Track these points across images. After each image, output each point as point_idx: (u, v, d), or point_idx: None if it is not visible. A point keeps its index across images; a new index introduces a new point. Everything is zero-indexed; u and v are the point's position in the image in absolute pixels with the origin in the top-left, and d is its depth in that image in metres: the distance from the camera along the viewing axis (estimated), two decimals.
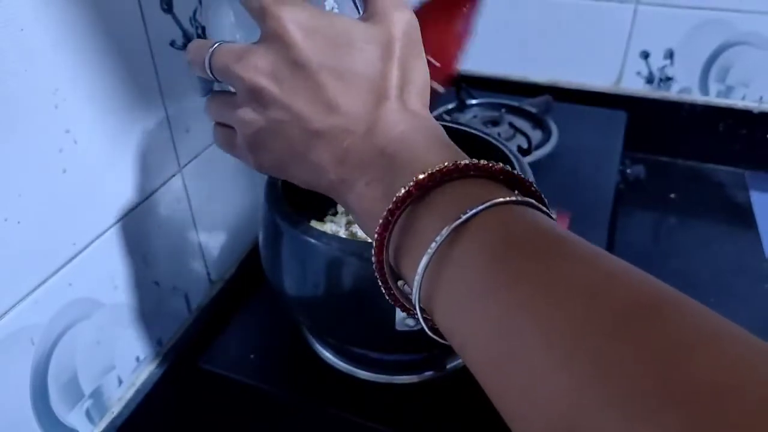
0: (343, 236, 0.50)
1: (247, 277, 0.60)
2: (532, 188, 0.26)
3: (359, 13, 0.32)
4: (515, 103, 0.83)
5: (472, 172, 0.25)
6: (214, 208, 0.56)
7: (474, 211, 0.23)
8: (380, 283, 0.28)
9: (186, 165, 0.50)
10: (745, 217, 0.74)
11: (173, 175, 0.49)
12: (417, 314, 0.26)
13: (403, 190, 0.25)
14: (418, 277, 0.24)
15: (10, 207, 0.35)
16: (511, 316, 0.21)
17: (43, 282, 0.38)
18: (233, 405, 0.54)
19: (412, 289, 0.25)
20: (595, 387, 0.18)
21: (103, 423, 0.46)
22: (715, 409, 0.16)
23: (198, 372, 0.52)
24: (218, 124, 0.34)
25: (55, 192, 0.38)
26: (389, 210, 0.25)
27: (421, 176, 0.25)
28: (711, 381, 0.16)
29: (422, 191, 0.25)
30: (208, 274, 0.57)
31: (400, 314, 0.40)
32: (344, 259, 0.40)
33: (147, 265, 0.48)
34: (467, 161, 0.25)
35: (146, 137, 0.45)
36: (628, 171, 0.83)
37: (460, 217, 0.23)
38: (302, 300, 0.45)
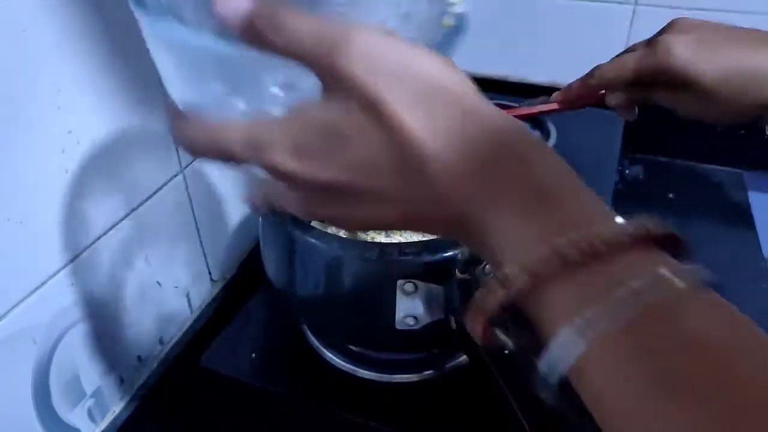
0: (344, 236, 0.50)
1: (248, 277, 0.60)
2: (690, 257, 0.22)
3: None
4: (514, 104, 0.83)
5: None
6: (216, 208, 0.56)
7: (642, 301, 0.20)
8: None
9: (188, 165, 0.51)
10: (743, 217, 0.74)
11: (175, 175, 0.49)
12: (551, 393, 0.21)
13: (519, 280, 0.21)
14: (563, 365, 0.20)
15: (13, 207, 0.35)
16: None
17: (45, 282, 0.39)
18: (234, 404, 0.54)
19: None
20: None
21: (105, 422, 0.46)
22: None
23: (199, 371, 0.52)
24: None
25: (57, 192, 0.38)
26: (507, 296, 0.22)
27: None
28: None
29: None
30: (210, 273, 0.57)
31: (400, 313, 0.40)
32: (345, 259, 0.41)
33: (149, 265, 0.48)
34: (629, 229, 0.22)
35: (148, 137, 0.45)
36: (627, 171, 0.83)
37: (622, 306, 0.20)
38: (303, 299, 0.45)
